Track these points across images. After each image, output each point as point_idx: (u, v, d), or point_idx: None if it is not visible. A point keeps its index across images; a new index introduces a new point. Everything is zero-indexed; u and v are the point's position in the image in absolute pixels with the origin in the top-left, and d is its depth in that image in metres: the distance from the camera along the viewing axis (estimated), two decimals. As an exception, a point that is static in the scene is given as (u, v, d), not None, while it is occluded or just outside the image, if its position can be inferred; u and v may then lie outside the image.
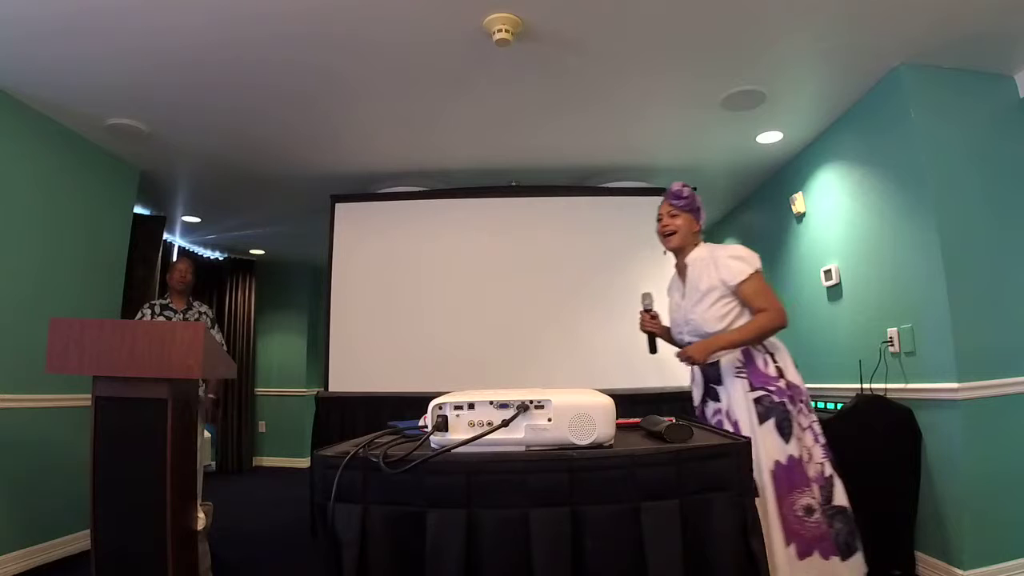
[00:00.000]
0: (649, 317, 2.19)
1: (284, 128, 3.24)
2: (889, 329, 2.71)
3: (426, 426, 1.12)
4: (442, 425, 1.08)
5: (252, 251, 6.12)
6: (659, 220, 2.12)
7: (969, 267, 2.43)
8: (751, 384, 1.91)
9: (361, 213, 3.88)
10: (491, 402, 1.08)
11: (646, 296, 2.21)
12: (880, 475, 2.44)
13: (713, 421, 2.00)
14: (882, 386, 2.73)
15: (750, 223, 4.48)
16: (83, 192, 3.24)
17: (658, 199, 3.80)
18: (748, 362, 1.93)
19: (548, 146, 3.55)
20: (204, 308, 3.44)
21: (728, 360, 1.96)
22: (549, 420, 1.06)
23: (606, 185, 3.91)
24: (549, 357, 3.59)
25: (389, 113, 3.09)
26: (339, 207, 3.87)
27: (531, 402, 1.07)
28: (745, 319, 1.96)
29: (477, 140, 3.46)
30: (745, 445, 1.12)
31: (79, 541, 2.97)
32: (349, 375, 3.63)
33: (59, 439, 2.90)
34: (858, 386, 2.82)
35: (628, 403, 2.75)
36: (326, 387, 3.63)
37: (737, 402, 1.92)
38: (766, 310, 1.91)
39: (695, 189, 2.12)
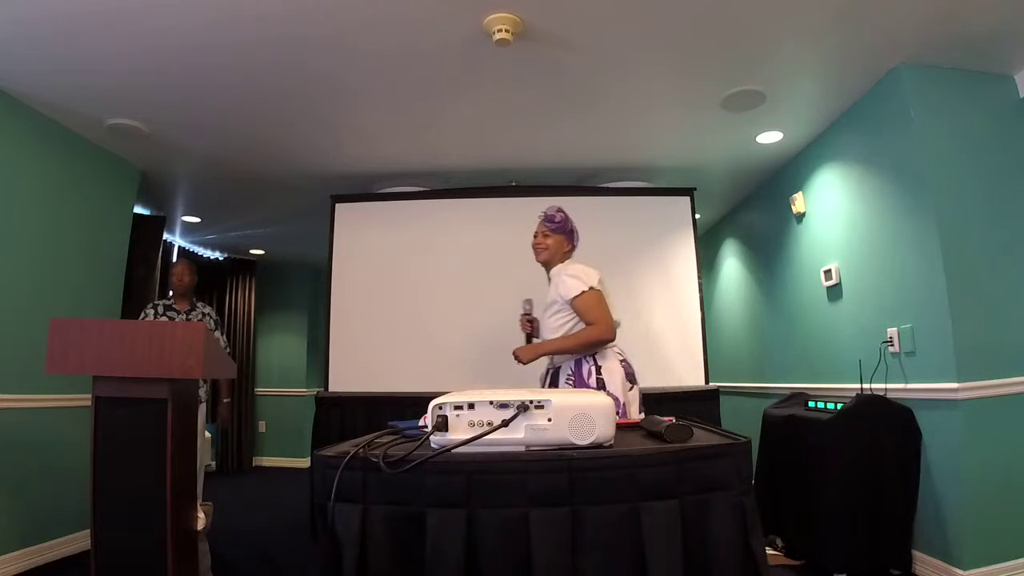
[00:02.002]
0: (527, 320, 2.38)
1: (284, 129, 3.24)
2: (889, 329, 2.71)
3: (426, 426, 1.12)
4: (442, 425, 1.08)
5: (252, 251, 6.12)
6: (535, 238, 2.34)
7: (969, 267, 2.43)
8: None
9: (361, 213, 3.88)
10: (491, 402, 1.08)
11: (527, 301, 2.42)
12: (880, 475, 2.45)
13: None
14: (882, 386, 2.73)
15: (750, 223, 4.48)
16: (83, 192, 3.24)
17: (659, 199, 3.86)
18: (576, 371, 2.15)
19: (548, 146, 3.55)
20: (208, 310, 3.44)
21: (563, 368, 2.20)
22: (549, 420, 1.06)
23: (606, 185, 3.91)
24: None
25: (389, 113, 3.09)
26: (339, 207, 3.87)
27: (531, 402, 1.07)
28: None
29: (477, 140, 3.46)
30: (745, 445, 1.12)
31: (79, 541, 2.97)
32: (349, 375, 3.63)
33: (59, 439, 2.90)
34: (858, 386, 2.82)
35: (628, 403, 2.75)
36: (326, 387, 3.63)
37: None
38: (594, 324, 2.11)
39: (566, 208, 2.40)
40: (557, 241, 2.31)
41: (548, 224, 2.32)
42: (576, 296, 2.14)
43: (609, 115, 3.14)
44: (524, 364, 2.21)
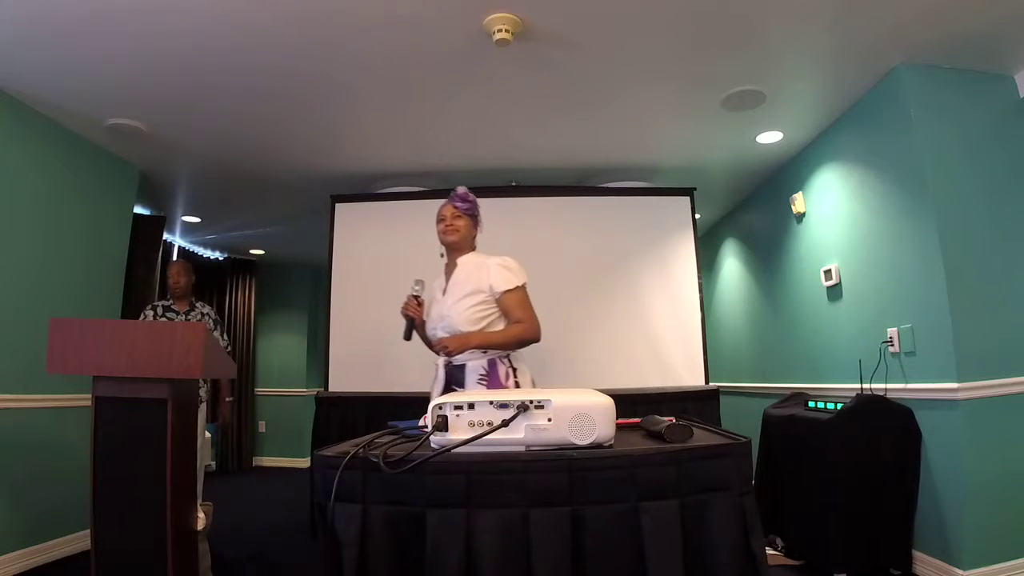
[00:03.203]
0: (416, 304, 2.21)
1: (285, 129, 3.24)
2: (889, 329, 2.71)
3: (426, 426, 1.12)
4: (442, 425, 1.08)
5: (252, 251, 6.12)
6: (442, 220, 2.22)
7: (969, 267, 2.43)
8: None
9: (361, 213, 3.87)
10: (491, 402, 1.08)
11: (418, 282, 2.25)
12: (880, 475, 2.45)
13: None
14: (882, 386, 2.73)
15: (750, 223, 4.48)
16: (83, 192, 3.24)
17: (659, 199, 3.85)
18: (491, 371, 2.02)
19: (548, 146, 3.55)
20: (207, 309, 3.44)
21: (473, 366, 2.04)
22: (549, 420, 1.06)
23: (606, 185, 3.91)
24: (548, 357, 3.58)
25: (389, 114, 3.09)
26: (339, 207, 3.87)
27: (531, 402, 1.07)
28: (500, 327, 2.07)
29: (477, 140, 3.45)
30: (745, 445, 1.12)
31: (79, 541, 2.97)
32: (349, 375, 3.62)
33: (59, 439, 2.90)
34: (858, 386, 2.82)
35: (628, 403, 2.76)
36: (326, 387, 3.63)
37: None
38: (523, 322, 2.03)
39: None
40: (467, 224, 2.22)
41: (460, 204, 2.21)
42: (509, 290, 2.05)
43: (609, 115, 3.14)
44: (451, 356, 2.04)
